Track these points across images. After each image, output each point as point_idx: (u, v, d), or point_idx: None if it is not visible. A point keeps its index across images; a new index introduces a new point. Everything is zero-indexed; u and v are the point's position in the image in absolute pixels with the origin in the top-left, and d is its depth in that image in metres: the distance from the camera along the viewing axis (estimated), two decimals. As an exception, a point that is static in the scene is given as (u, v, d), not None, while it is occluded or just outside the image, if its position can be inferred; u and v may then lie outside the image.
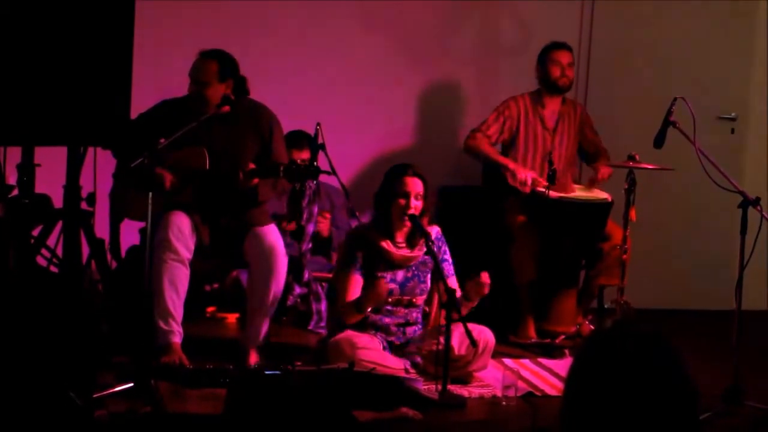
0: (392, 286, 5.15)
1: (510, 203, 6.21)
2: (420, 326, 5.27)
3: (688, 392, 1.92)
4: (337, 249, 6.23)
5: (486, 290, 4.95)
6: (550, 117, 6.29)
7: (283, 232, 5.95)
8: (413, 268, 5.22)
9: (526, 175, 6.02)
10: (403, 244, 5.20)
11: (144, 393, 4.44)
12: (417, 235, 5.13)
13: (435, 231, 5.28)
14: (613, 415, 1.90)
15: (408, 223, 5.11)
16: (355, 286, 5.08)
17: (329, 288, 5.74)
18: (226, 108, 5.19)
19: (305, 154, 5.91)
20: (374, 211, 5.28)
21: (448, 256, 5.27)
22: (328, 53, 6.65)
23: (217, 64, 5.22)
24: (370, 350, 5.00)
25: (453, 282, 5.19)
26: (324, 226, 6.23)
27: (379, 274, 5.10)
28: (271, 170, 5.09)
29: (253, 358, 5.18)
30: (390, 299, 5.16)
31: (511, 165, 6.14)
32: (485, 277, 4.93)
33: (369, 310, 5.04)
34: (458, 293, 5.03)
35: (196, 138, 5.08)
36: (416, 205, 5.10)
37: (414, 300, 5.22)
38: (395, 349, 5.16)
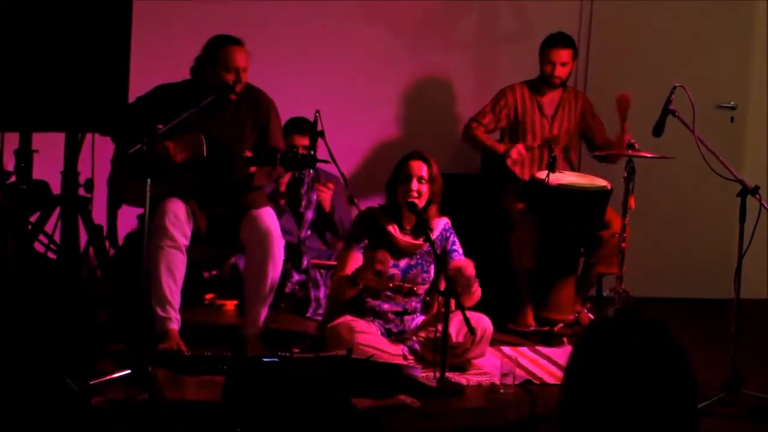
0: (395, 271, 5.15)
1: (509, 191, 6.22)
2: (417, 315, 5.26)
3: (688, 382, 1.92)
4: (338, 226, 6.23)
5: (464, 279, 4.92)
6: (549, 104, 6.28)
7: (281, 209, 5.95)
8: (417, 256, 5.21)
9: (517, 152, 6.03)
10: (409, 232, 5.20)
11: (142, 380, 4.43)
12: (427, 225, 5.11)
13: (444, 222, 5.28)
14: (612, 403, 1.90)
15: (405, 206, 5.11)
16: (354, 264, 5.07)
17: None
18: (233, 97, 5.20)
19: (307, 141, 5.88)
20: (386, 194, 5.28)
21: (457, 246, 5.26)
22: (327, 42, 6.64)
23: (246, 50, 5.22)
24: (369, 335, 5.00)
25: None
26: (326, 196, 6.19)
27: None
28: (268, 158, 5.08)
29: (253, 346, 5.16)
30: (391, 285, 5.16)
31: (501, 149, 6.15)
32: (454, 269, 4.90)
33: (361, 286, 5.02)
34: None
35: (194, 124, 5.07)
36: (419, 188, 5.09)
37: (415, 289, 5.22)
38: (392, 336, 5.16)
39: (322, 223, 6.24)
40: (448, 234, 5.26)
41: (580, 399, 1.94)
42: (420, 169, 5.12)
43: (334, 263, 5.97)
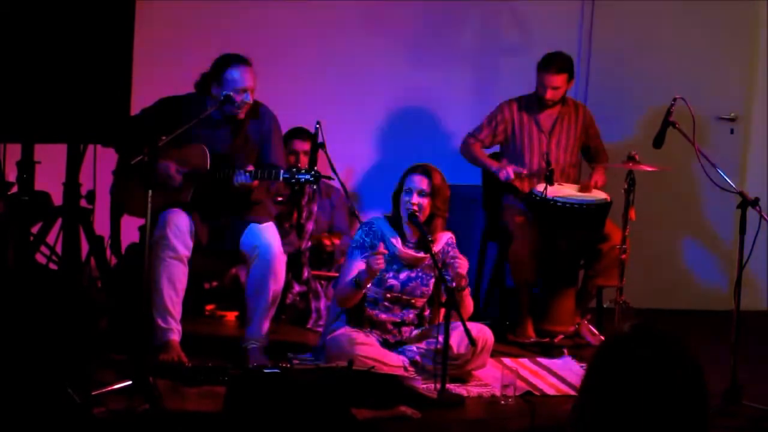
0: (394, 282, 5.16)
1: (509, 203, 6.22)
2: (414, 328, 5.26)
3: (703, 396, 1.92)
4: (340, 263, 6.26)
5: (461, 269, 4.95)
6: (547, 119, 6.27)
7: (286, 231, 5.97)
8: (419, 270, 5.21)
9: (506, 174, 6.04)
10: (412, 245, 5.20)
11: (143, 391, 4.44)
12: (426, 237, 5.10)
13: (447, 236, 5.27)
14: (627, 419, 1.89)
15: (404, 218, 5.12)
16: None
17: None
18: (240, 115, 5.22)
19: (308, 146, 5.88)
20: (392, 208, 5.29)
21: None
22: (328, 53, 6.65)
23: (253, 70, 5.23)
24: (369, 346, 5.01)
25: None
26: (328, 242, 6.21)
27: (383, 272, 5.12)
28: (270, 173, 5.10)
29: (256, 359, 5.16)
30: (389, 295, 5.16)
31: (494, 167, 6.16)
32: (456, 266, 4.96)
33: (367, 286, 5.03)
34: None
35: (197, 137, 5.09)
36: (419, 201, 5.09)
37: (413, 301, 5.22)
38: (389, 346, 5.16)
39: (321, 262, 6.25)
40: (449, 249, 5.26)
41: (596, 415, 1.94)
42: (421, 182, 5.12)
43: (335, 274, 5.98)
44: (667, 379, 1.90)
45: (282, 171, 5.05)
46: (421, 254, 5.16)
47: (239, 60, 5.22)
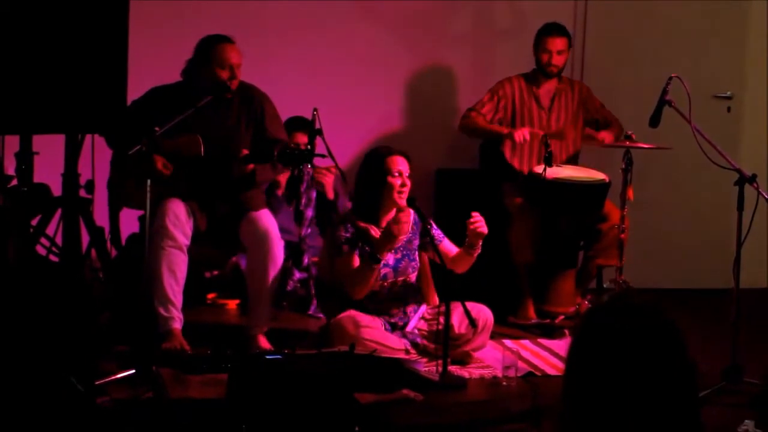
0: (386, 270, 5.17)
1: (507, 185, 6.22)
2: (417, 306, 5.28)
3: (686, 365, 1.93)
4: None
5: (482, 228, 4.98)
6: (545, 95, 6.29)
7: (279, 200, 5.96)
8: (401, 248, 5.22)
9: (522, 135, 6.03)
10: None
11: (146, 379, 4.46)
12: (426, 219, 5.13)
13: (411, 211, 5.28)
14: (613, 390, 1.91)
15: (400, 203, 5.10)
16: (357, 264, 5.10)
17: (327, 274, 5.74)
18: (228, 95, 5.22)
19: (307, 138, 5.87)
20: (357, 197, 5.28)
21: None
22: (324, 40, 6.64)
23: (237, 47, 5.24)
24: (373, 329, 5.02)
25: (447, 245, 5.21)
26: (328, 180, 6.13)
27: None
28: (265, 155, 5.10)
29: (261, 343, 5.18)
30: (386, 283, 5.18)
31: (506, 130, 6.14)
32: (475, 217, 4.97)
33: (383, 261, 5.05)
34: (454, 251, 5.12)
35: (190, 125, 5.09)
36: (406, 183, 5.13)
37: (408, 279, 5.24)
38: (398, 329, 5.17)
39: (325, 212, 6.21)
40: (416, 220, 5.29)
41: (581, 387, 1.95)
42: (403, 164, 5.15)
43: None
44: (645, 348, 1.90)
45: (276, 151, 5.04)
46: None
47: (221, 38, 5.24)
